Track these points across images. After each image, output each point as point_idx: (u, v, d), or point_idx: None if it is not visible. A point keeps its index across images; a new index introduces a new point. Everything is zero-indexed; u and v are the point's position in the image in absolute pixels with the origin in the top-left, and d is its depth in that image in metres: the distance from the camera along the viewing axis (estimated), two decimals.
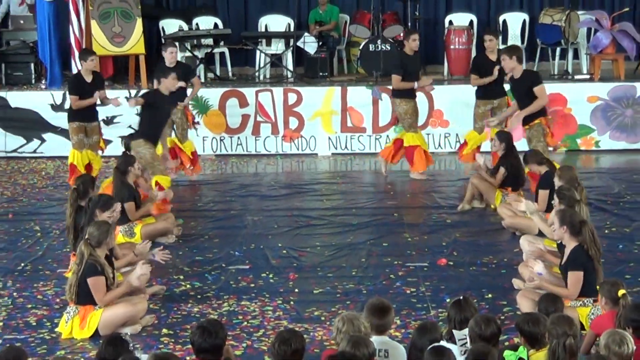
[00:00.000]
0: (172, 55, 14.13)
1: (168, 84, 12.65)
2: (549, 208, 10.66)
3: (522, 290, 9.14)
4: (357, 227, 12.12)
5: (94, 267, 8.64)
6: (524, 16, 18.22)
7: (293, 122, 16.22)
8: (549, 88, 16.01)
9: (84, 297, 8.70)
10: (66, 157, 13.82)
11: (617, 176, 14.50)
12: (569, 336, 6.55)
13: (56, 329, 8.84)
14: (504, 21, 18.14)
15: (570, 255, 8.55)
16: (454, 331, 7.16)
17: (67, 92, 13.42)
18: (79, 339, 8.64)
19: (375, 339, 6.99)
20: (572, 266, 8.52)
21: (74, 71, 15.93)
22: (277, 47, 17.94)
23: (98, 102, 13.37)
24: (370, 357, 6.49)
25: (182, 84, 13.68)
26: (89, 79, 13.27)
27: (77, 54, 16.22)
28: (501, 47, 17.59)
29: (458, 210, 12.61)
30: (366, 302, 9.07)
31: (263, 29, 18.33)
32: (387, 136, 16.00)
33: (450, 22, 18.17)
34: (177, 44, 15.93)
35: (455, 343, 7.14)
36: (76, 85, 13.32)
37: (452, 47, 17.53)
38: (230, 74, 17.99)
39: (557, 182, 10.13)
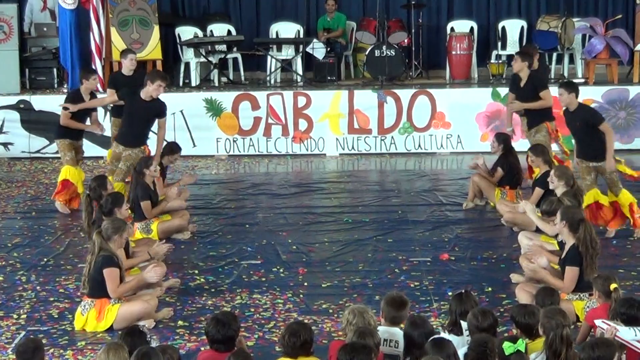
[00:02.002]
0: (132, 62, 13.38)
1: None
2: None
3: (520, 284, 9.14)
4: (363, 223, 12.11)
5: (110, 258, 8.63)
6: (522, 23, 18.18)
7: (302, 124, 16.20)
8: None
9: (97, 290, 8.67)
10: (87, 158, 13.78)
11: None
12: (565, 327, 6.55)
13: (73, 323, 8.84)
14: (503, 28, 18.09)
15: (569, 252, 8.53)
16: (461, 322, 7.15)
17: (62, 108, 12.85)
18: (97, 331, 8.63)
19: (388, 330, 7.03)
20: (569, 262, 8.51)
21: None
22: (287, 52, 17.91)
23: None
24: (375, 347, 6.48)
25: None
26: (87, 99, 12.85)
27: (97, 59, 16.27)
28: (501, 52, 17.74)
29: (463, 208, 12.59)
30: (372, 295, 9.13)
31: (274, 36, 18.31)
32: (392, 137, 16.03)
33: (452, 29, 18.13)
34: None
35: (456, 334, 7.15)
36: (74, 102, 12.77)
37: (453, 52, 17.49)
38: (242, 78, 17.96)
39: (557, 182, 10.08)
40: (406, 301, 7.27)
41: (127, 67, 13.42)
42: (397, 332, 7.09)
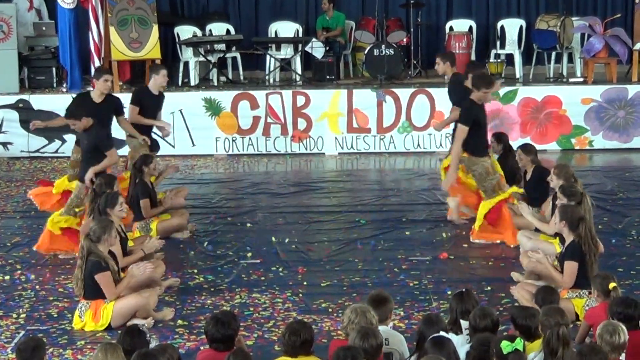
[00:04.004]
0: (106, 85, 11.55)
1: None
2: (542, 198, 10.77)
3: (520, 283, 9.14)
4: (362, 222, 12.10)
5: (99, 264, 8.61)
6: (521, 22, 18.16)
7: (301, 123, 16.19)
8: (545, 91, 16.12)
9: (92, 293, 8.69)
10: None
11: (610, 174, 14.47)
12: (562, 326, 6.55)
13: (72, 324, 8.84)
14: (502, 27, 18.08)
15: (568, 248, 8.56)
16: (461, 320, 7.15)
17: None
18: (97, 330, 8.63)
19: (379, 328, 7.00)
20: (568, 257, 8.54)
21: (92, 74, 15.89)
22: (287, 52, 17.90)
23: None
24: (378, 347, 6.49)
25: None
26: (99, 100, 11.54)
27: (96, 59, 16.26)
28: (500, 52, 17.75)
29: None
30: None
31: (273, 35, 18.29)
32: (391, 136, 16.04)
33: (451, 28, 18.14)
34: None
35: (456, 333, 7.14)
36: (82, 108, 11.32)
37: (452, 51, 17.47)
38: (241, 77, 17.94)
39: (556, 181, 10.08)
40: (385, 298, 7.25)
41: (100, 90, 11.57)
42: (386, 330, 7.09)
